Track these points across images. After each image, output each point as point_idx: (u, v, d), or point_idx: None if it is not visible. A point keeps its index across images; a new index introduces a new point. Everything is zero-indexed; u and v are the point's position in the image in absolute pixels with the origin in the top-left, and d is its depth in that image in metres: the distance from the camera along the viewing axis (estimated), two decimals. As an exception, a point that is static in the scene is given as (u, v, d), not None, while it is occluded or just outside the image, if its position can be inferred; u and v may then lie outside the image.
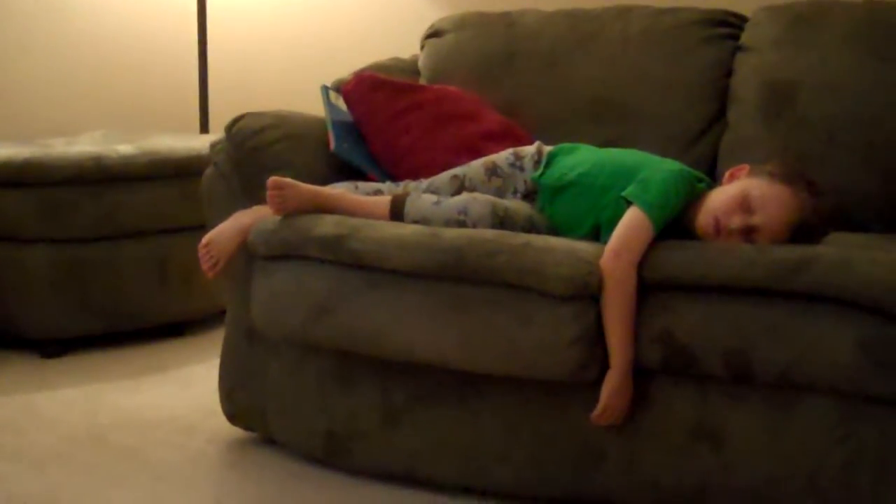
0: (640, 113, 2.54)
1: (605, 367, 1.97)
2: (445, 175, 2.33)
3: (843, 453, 1.86)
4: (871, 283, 1.80)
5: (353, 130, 2.54)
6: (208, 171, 2.47)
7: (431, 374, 2.13)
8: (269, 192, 2.18)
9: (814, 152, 2.35)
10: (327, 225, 2.16)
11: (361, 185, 2.36)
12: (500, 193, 2.27)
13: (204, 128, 3.79)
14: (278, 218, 2.22)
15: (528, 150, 2.32)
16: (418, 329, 2.05)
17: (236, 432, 2.49)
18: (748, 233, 2.00)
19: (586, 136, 2.47)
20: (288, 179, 2.19)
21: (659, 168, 2.12)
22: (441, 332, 2.04)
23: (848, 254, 1.86)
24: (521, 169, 2.29)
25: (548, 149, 2.32)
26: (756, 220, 2.00)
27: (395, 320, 2.07)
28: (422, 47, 2.85)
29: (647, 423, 1.99)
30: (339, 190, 2.30)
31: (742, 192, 2.03)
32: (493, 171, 2.30)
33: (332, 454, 2.28)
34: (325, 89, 2.57)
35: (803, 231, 2.01)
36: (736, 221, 2.00)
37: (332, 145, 2.45)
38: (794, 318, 1.85)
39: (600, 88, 2.59)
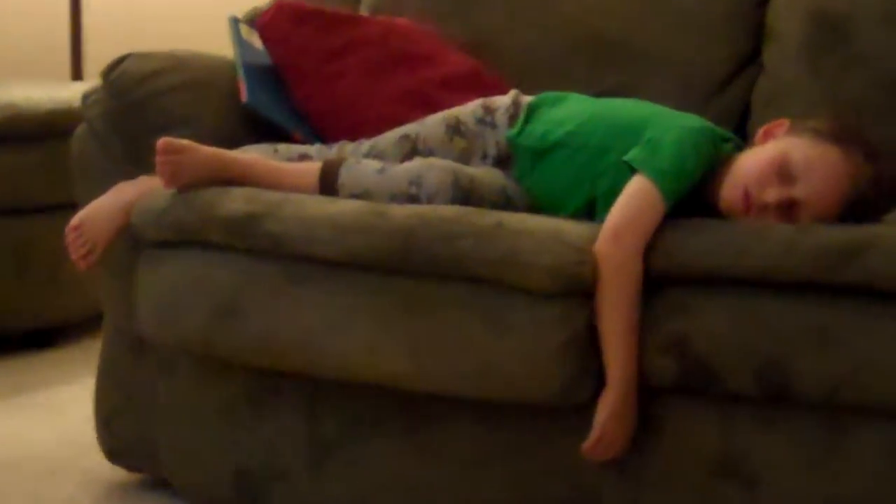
0: (648, 53, 2.54)
1: (600, 384, 1.98)
2: (392, 134, 2.33)
3: (909, 494, 1.87)
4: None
5: (272, 76, 2.54)
6: (79, 129, 2.46)
7: (373, 395, 2.14)
8: (159, 158, 2.18)
9: (872, 103, 2.36)
10: (236, 201, 2.15)
11: (282, 148, 2.36)
12: (464, 158, 2.27)
13: (77, 74, 3.77)
14: (172, 192, 2.21)
15: (502, 101, 2.32)
16: (356, 337, 2.06)
17: (117, 474, 2.48)
18: (787, 209, 2.02)
19: (579, 83, 2.47)
20: (184, 141, 2.19)
21: (673, 125, 2.13)
22: (386, 342, 2.04)
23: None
24: (493, 126, 2.29)
25: (527, 99, 2.32)
26: (798, 192, 2.01)
27: (325, 326, 2.07)
28: (362, -34, 2.85)
29: (657, 456, 2.00)
30: (253, 155, 2.30)
31: (780, 156, 2.04)
32: (455, 128, 2.30)
33: (244, 500, 2.28)
34: (235, 22, 2.56)
35: (859, 206, 2.03)
36: (772, 194, 2.02)
37: (245, 96, 2.45)
38: (846, 320, 1.86)
39: (598, 21, 2.59)
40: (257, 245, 2.12)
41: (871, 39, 2.39)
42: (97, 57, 3.63)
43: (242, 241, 2.14)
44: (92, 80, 3.20)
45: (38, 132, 3.10)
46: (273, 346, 2.12)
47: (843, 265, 1.86)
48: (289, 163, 2.29)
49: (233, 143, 2.33)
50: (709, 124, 2.16)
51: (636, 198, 2.01)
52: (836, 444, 1.91)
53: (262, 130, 2.45)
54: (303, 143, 2.42)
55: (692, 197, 2.06)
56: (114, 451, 2.44)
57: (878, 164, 2.06)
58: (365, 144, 2.34)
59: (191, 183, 2.20)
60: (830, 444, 1.91)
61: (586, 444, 1.98)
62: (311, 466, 2.20)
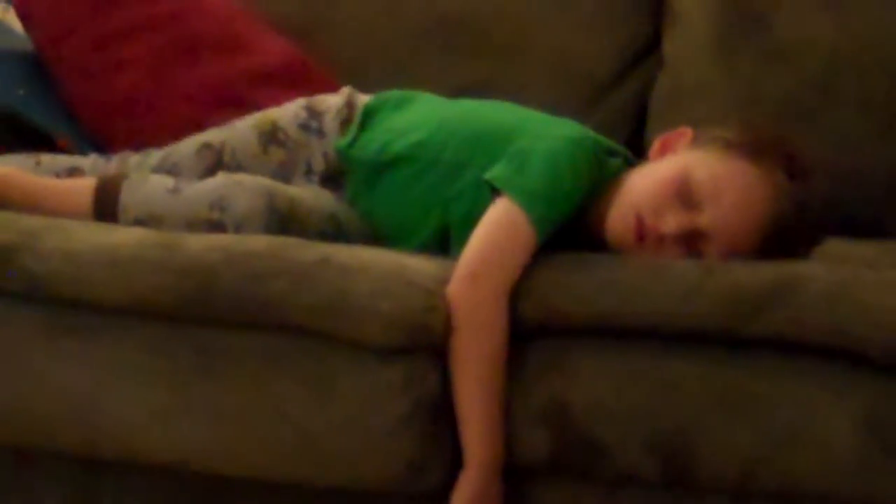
0: (517, 41, 2.58)
1: (456, 466, 1.98)
2: (191, 143, 2.33)
3: None
4: (882, 325, 1.84)
5: (33, 66, 2.53)
6: None
7: (166, 482, 2.13)
8: None
9: (798, 105, 2.41)
10: (-15, 228, 2.13)
11: (46, 159, 2.35)
12: (283, 173, 2.28)
13: None
14: None
15: (332, 101, 2.34)
16: (140, 404, 2.04)
17: None
18: (690, 240, 2.04)
19: (430, 78, 2.51)
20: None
21: (546, 134, 2.14)
22: (178, 409, 2.03)
23: (850, 276, 1.89)
24: (320, 133, 2.31)
25: (363, 100, 2.34)
26: (703, 219, 2.03)
27: (99, 389, 2.05)
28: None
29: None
30: (8, 168, 2.27)
31: (681, 174, 2.06)
32: (271, 136, 2.31)
33: None
34: (-14, -2, 2.55)
35: (779, 237, 2.05)
36: (670, 223, 2.03)
37: (-5, 91, 2.43)
38: (762, 382, 1.88)
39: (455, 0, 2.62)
40: (11, 286, 2.09)
41: (797, 26, 2.43)
42: None
43: (-7, 281, 2.11)
44: None
45: None
46: (29, 416, 2.10)
47: (760, 313, 1.88)
48: (55, 179, 2.27)
49: (-19, 152, 2.30)
50: (592, 134, 2.18)
51: (499, 226, 2.02)
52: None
53: (20, 136, 2.43)
54: (73, 152, 2.41)
55: (571, 225, 2.07)
56: None
57: (806, 184, 2.09)
58: (154, 156, 2.34)
59: (-75, 204, 2.18)
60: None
61: (438, 543, 1.99)
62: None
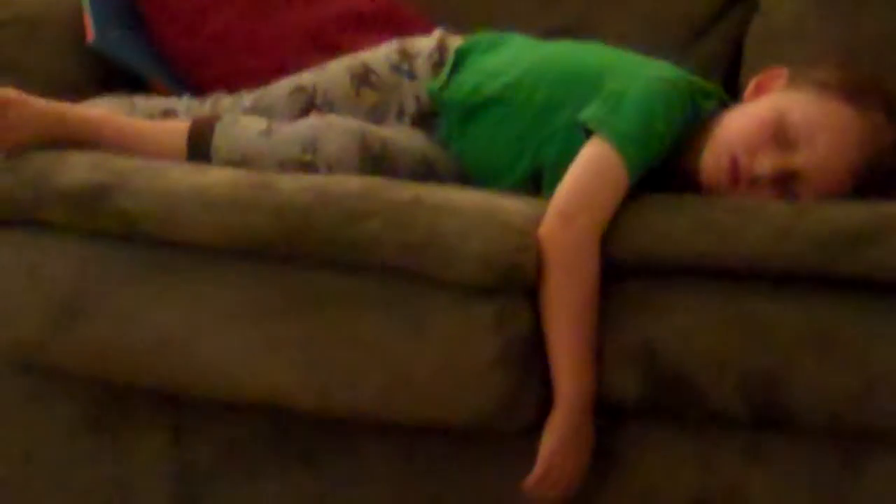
0: (611, -17, 2.57)
1: (547, 404, 1.99)
2: (283, 85, 2.34)
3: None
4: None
5: (128, 10, 2.54)
6: None
7: (257, 418, 2.15)
8: (-22, 114, 2.18)
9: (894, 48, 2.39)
10: (80, 168, 2.15)
11: (141, 101, 2.37)
12: (375, 115, 2.29)
13: None
14: (-3, 157, 2.21)
15: (424, 44, 2.34)
16: (232, 343, 2.07)
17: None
18: (785, 181, 2.03)
19: (521, 20, 2.50)
20: (12, 92, 2.19)
21: (639, 75, 2.14)
22: (272, 349, 2.05)
23: (944, 217, 1.89)
24: (412, 76, 2.31)
25: (456, 42, 2.34)
26: (798, 160, 2.03)
27: (193, 328, 2.08)
28: None
29: (619, 493, 2.02)
30: (103, 110, 2.30)
31: (776, 115, 2.06)
32: (363, 78, 2.32)
33: (90, 556, 2.29)
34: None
35: (876, 178, 2.05)
36: (766, 164, 2.03)
37: (91, 35, 2.45)
38: (855, 322, 1.88)
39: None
40: (106, 226, 2.12)
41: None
42: None
43: (87, 221, 2.14)
44: None
45: None
46: (126, 354, 2.13)
47: (854, 254, 1.87)
48: (149, 121, 2.29)
49: (75, 95, 2.33)
50: (686, 75, 2.17)
51: (592, 168, 2.02)
52: (847, 479, 1.93)
53: (115, 78, 2.45)
54: (167, 94, 2.42)
55: (664, 167, 2.08)
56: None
57: (902, 124, 2.09)
58: (247, 97, 2.35)
59: (20, 145, 2.20)
60: (839, 478, 1.93)
61: (529, 480, 1.99)
62: (178, 510, 2.21)
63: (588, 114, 2.08)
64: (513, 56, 2.28)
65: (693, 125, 2.11)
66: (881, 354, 1.87)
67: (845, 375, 1.88)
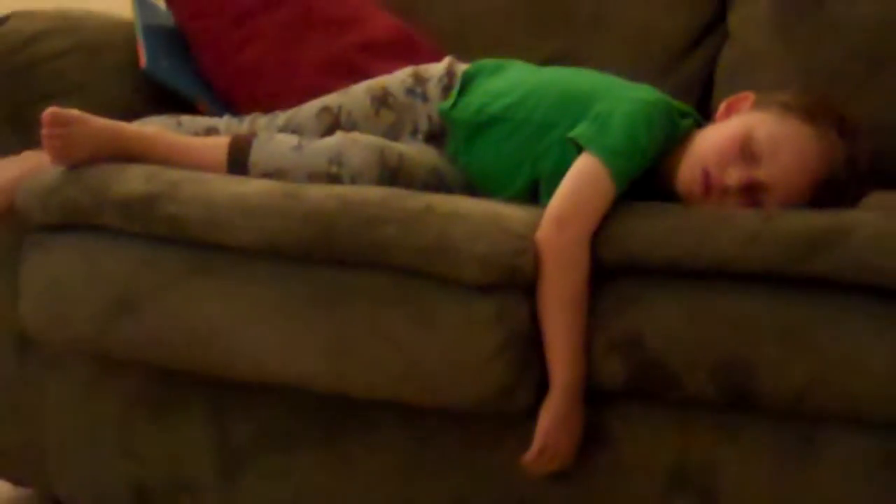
0: (599, 16, 2.56)
1: (543, 388, 1.98)
2: (311, 107, 2.33)
3: (885, 509, 1.89)
4: (922, 266, 1.82)
5: (176, 40, 2.53)
6: (-45, 99, 2.44)
7: (289, 399, 2.14)
8: (45, 131, 2.17)
9: (849, 75, 2.38)
10: (134, 180, 2.14)
11: (187, 120, 2.36)
12: (392, 133, 2.28)
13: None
14: (61, 170, 2.20)
15: (435, 69, 2.33)
16: (268, 334, 2.06)
17: (1, 489, 2.46)
18: (751, 192, 2.02)
19: (521, 49, 2.49)
20: (74, 112, 2.18)
21: (624, 97, 2.13)
22: (301, 338, 2.04)
23: (891, 223, 1.87)
24: (424, 98, 2.30)
25: (462, 68, 2.33)
26: (762, 172, 2.02)
27: (233, 321, 2.07)
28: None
29: (605, 467, 2.01)
30: (154, 128, 2.29)
31: (743, 133, 2.05)
32: (382, 100, 2.31)
33: (143, 518, 2.28)
34: (135, -21, 2.56)
35: (831, 189, 2.04)
36: (733, 175, 2.02)
37: (144, 61, 2.44)
38: (816, 317, 1.87)
39: (542, -21, 2.61)
40: (157, 230, 2.12)
41: (846, 4, 2.41)
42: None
43: (140, 225, 2.13)
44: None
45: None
46: (174, 343, 2.12)
47: (813, 256, 1.86)
48: (194, 137, 2.28)
49: (130, 115, 2.32)
50: (665, 97, 2.16)
51: (583, 179, 2.01)
52: (806, 456, 1.91)
53: (164, 100, 2.44)
54: (210, 114, 2.42)
55: (646, 178, 2.06)
56: (-5, 461, 2.43)
57: (854, 142, 2.07)
58: (280, 117, 2.34)
59: (82, 159, 2.19)
60: (799, 455, 1.92)
61: (527, 456, 1.99)
62: (222, 479, 2.20)
63: (579, 131, 2.07)
64: (513, 80, 2.28)
65: (671, 142, 2.10)
66: (836, 345, 1.86)
67: (805, 363, 1.87)
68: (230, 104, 2.49)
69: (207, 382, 2.18)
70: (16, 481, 2.45)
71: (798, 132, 2.04)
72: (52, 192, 2.19)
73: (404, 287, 2.00)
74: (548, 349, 1.96)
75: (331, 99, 2.33)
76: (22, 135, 2.32)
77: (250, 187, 2.10)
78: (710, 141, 2.07)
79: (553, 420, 1.97)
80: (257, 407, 2.18)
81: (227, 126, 2.35)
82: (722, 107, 2.16)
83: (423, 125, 2.29)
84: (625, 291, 1.96)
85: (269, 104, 2.41)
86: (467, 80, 2.30)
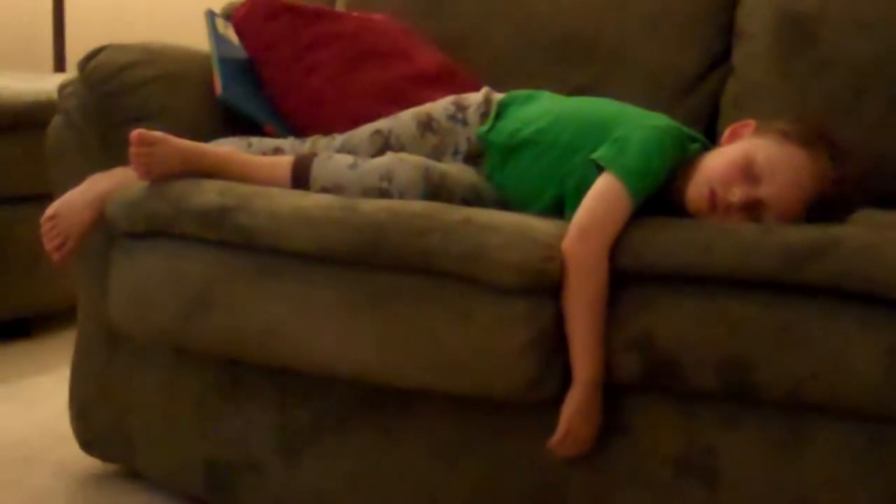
0: (618, 53, 2.55)
1: (566, 380, 1.97)
2: (365, 130, 2.33)
3: (871, 491, 1.86)
4: (905, 275, 1.81)
5: (247, 70, 2.54)
6: (55, 120, 2.45)
7: (344, 388, 2.14)
8: (133, 150, 2.17)
9: (841, 105, 2.38)
10: (209, 193, 2.15)
11: (256, 141, 2.36)
12: (436, 154, 2.27)
13: (60, 66, 3.74)
14: (145, 184, 2.20)
15: (474, 98, 2.33)
16: (326, 330, 2.05)
17: (91, 464, 2.47)
18: (752, 208, 2.01)
19: (550, 81, 2.48)
20: (159, 133, 2.18)
21: (640, 124, 2.12)
22: (355, 335, 2.03)
23: (878, 237, 1.86)
24: (464, 123, 2.29)
25: (498, 97, 2.33)
26: (762, 191, 2.01)
27: (295, 318, 2.07)
28: (339, -38, 2.85)
29: (621, 452, 2.00)
30: (227, 148, 2.30)
31: (745, 156, 2.03)
32: (427, 125, 2.30)
33: (215, 491, 2.28)
34: (212, 16, 2.56)
35: (823, 206, 2.02)
36: (736, 193, 2.01)
37: (219, 89, 2.45)
38: (808, 318, 1.86)
39: (569, 20, 2.60)
40: (229, 238, 2.12)
41: (839, 42, 2.41)
42: (80, 49, 3.62)
43: (214, 234, 2.13)
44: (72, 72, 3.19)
45: (19, 123, 3.09)
46: (243, 338, 2.13)
47: (807, 265, 1.85)
48: (262, 156, 2.29)
49: (207, 136, 2.33)
50: (676, 124, 2.15)
51: (603, 196, 2.01)
52: (798, 443, 1.90)
53: (236, 123, 2.45)
54: (276, 136, 2.43)
55: (659, 196, 2.05)
56: (88, 441, 2.45)
57: (844, 165, 2.06)
58: (338, 139, 2.34)
59: (164, 175, 2.19)
60: (792, 442, 1.91)
61: (553, 441, 1.98)
62: (284, 458, 2.21)
63: (600, 154, 2.06)
64: (543, 108, 2.27)
65: (682, 163, 2.09)
66: (826, 344, 1.85)
67: (799, 360, 1.86)
68: (294, 127, 2.50)
69: (272, 373, 2.18)
70: (104, 458, 2.46)
71: (794, 156, 2.03)
72: (138, 204, 2.20)
73: (445, 289, 1.99)
74: (571, 346, 1.96)
75: (382, 123, 2.33)
76: (112, 153, 2.32)
77: (311, 201, 2.10)
78: (716, 163, 2.06)
79: (575, 409, 1.96)
80: (315, 395, 2.18)
81: (292, 146, 2.35)
82: (726, 132, 2.15)
83: (463, 147, 2.28)
84: (639, 296, 1.95)
85: (328, 127, 2.41)
86: (502, 107, 2.30)
